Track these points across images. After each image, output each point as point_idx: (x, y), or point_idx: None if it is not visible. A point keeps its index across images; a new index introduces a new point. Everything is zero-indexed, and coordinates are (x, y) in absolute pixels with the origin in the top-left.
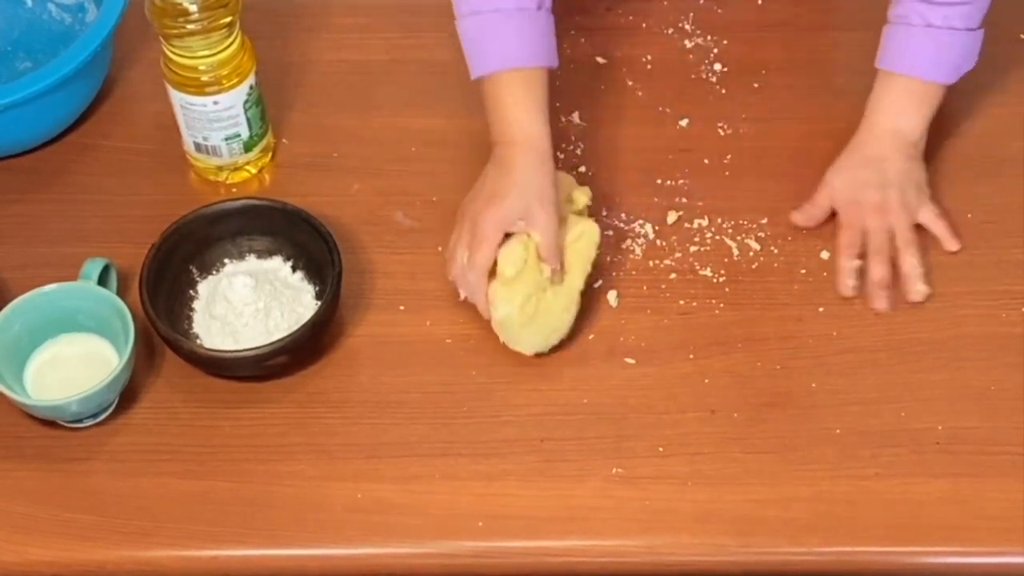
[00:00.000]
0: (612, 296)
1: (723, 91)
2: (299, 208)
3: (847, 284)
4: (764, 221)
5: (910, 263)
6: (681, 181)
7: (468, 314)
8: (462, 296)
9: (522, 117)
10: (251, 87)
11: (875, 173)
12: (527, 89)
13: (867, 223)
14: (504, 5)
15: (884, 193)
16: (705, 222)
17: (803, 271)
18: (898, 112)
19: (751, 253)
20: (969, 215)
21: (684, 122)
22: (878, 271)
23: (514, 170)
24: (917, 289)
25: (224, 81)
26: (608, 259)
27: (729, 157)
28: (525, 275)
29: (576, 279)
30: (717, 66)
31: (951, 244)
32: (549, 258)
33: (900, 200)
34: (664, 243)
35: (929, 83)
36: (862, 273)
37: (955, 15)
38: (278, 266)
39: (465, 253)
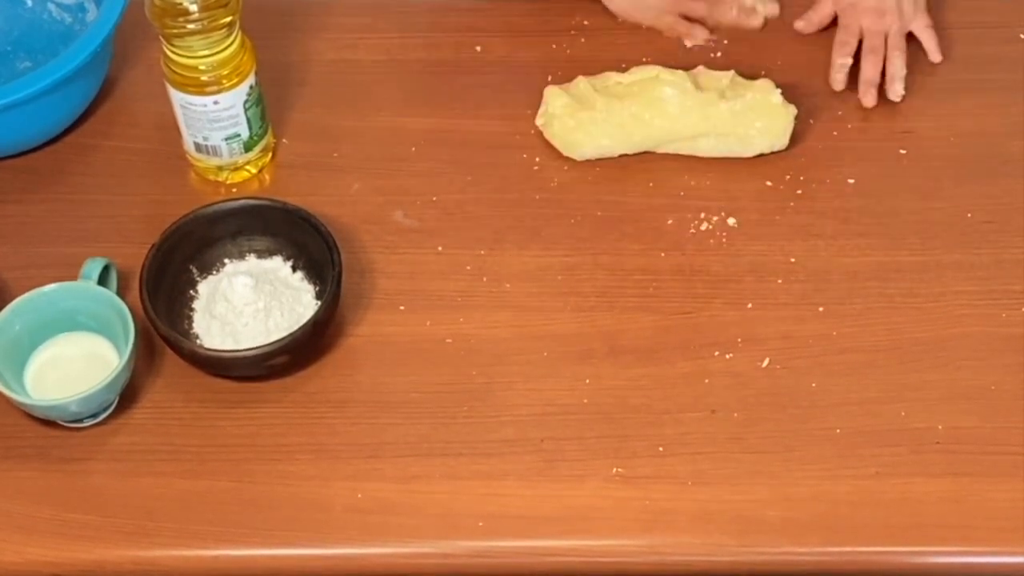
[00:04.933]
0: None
1: None
2: (299, 208)
3: (836, 79)
4: (764, 220)
5: (896, 64)
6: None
7: (468, 314)
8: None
9: None
10: (251, 87)
11: None
12: None
13: (863, 24)
14: None
15: None
16: (701, 217)
17: (803, 271)
18: None
19: (751, 253)
20: (969, 215)
21: None
22: (870, 70)
23: None
24: (895, 89)
25: (224, 81)
26: (608, 259)
27: None
28: None
29: None
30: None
31: (935, 56)
32: None
33: (896, 6)
34: (665, 242)
35: None
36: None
37: None
38: (278, 266)
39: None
